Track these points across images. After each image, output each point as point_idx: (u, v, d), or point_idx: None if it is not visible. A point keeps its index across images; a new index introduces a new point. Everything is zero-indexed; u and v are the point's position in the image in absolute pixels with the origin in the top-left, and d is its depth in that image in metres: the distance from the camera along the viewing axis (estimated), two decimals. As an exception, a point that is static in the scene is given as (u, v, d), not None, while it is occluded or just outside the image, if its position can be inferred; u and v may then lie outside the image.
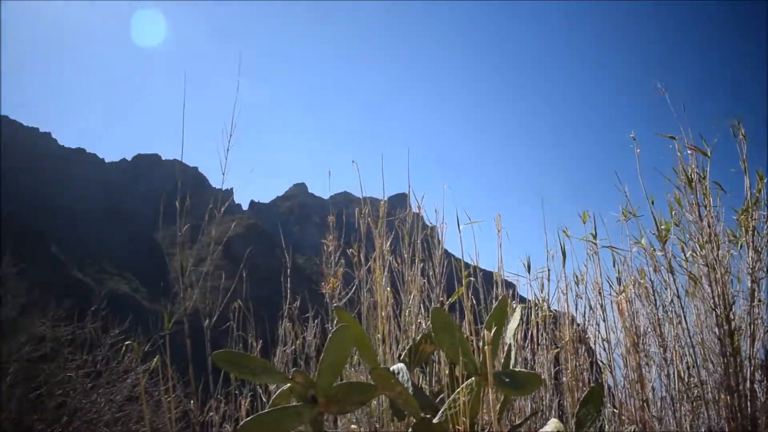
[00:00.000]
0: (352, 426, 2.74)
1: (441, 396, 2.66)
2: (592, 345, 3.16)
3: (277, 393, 2.41)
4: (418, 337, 2.73)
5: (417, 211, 3.48)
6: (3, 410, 5.09)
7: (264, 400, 3.44)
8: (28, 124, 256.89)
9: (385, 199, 3.55)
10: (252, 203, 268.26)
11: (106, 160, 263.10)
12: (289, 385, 2.33)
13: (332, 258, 3.55)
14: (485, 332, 2.08)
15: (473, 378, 2.39)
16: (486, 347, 2.02)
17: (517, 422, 2.73)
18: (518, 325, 2.59)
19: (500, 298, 2.55)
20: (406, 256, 3.31)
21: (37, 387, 5.30)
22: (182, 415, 3.45)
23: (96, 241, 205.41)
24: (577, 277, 3.29)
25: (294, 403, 2.27)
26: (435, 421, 2.39)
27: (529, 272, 3.53)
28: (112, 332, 5.70)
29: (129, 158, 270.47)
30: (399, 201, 3.72)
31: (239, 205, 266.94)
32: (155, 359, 3.22)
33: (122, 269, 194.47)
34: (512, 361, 2.45)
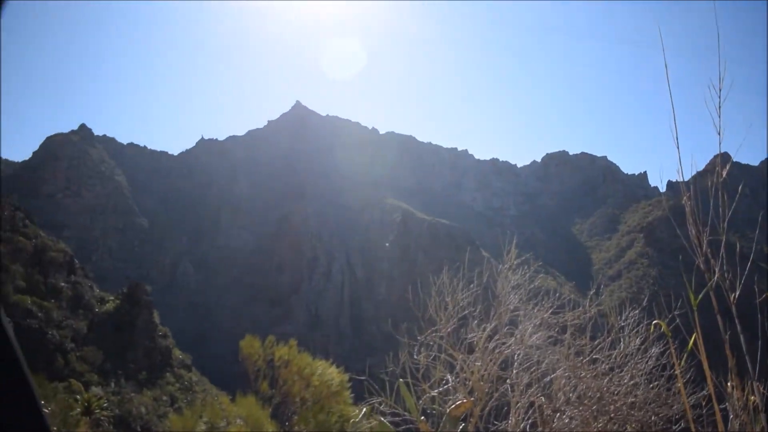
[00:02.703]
0: None
1: None
2: None
3: None
4: None
5: None
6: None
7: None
8: (448, 145, 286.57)
9: None
10: (670, 183, 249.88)
11: (518, 165, 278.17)
12: None
13: None
14: None
15: None
16: None
17: None
18: None
19: None
20: None
21: (545, 373, 5.45)
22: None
23: (522, 242, 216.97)
24: None
25: None
26: None
27: None
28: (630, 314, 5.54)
29: (539, 159, 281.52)
30: None
31: (655, 188, 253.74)
32: (692, 338, 2.83)
33: (546, 265, 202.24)
34: None
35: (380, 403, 5.38)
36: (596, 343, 5.40)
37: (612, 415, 4.85)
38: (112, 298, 74.74)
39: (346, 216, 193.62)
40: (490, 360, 5.43)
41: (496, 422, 5.43)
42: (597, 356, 5.27)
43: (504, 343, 5.54)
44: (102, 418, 37.00)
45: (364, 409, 5.81)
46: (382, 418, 4.95)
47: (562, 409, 4.97)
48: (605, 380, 5.05)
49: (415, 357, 5.76)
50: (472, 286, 6.22)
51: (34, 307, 57.24)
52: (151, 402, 61.38)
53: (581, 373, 5.13)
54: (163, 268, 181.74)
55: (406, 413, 5.07)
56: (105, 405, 45.33)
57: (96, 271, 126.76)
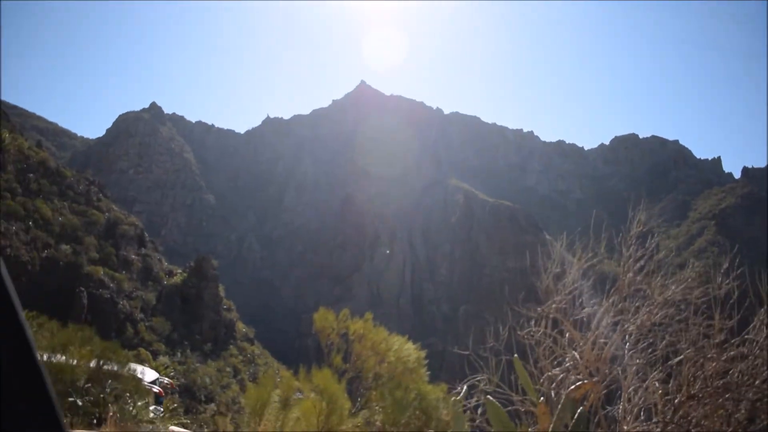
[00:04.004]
0: None
1: None
2: None
3: None
4: None
5: None
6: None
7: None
8: (513, 126, 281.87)
9: None
10: (745, 170, 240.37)
11: (585, 148, 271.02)
12: None
13: None
14: None
15: None
16: None
17: None
18: None
19: None
20: None
21: (676, 351, 4.73)
22: None
23: (587, 226, 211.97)
24: None
25: None
26: None
27: None
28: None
29: (607, 142, 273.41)
30: None
31: (730, 174, 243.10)
32: None
33: (613, 251, 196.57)
34: None
35: (480, 381, 4.77)
36: (743, 324, 4.62)
37: (757, 402, 4.09)
38: (180, 271, 76.56)
39: (409, 196, 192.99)
40: (607, 336, 4.73)
41: (607, 406, 4.76)
42: (749, 337, 4.49)
43: (626, 320, 4.82)
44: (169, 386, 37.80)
45: (465, 387, 5.20)
46: (490, 397, 4.33)
47: (699, 395, 4.24)
48: (745, 364, 4.29)
49: (521, 332, 5.09)
50: (590, 254, 5.51)
51: (106, 278, 59.02)
52: (215, 373, 62.77)
53: (722, 356, 4.37)
54: (229, 243, 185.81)
55: (512, 393, 4.45)
56: (172, 374, 46.47)
57: (165, 245, 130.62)
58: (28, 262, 50.94)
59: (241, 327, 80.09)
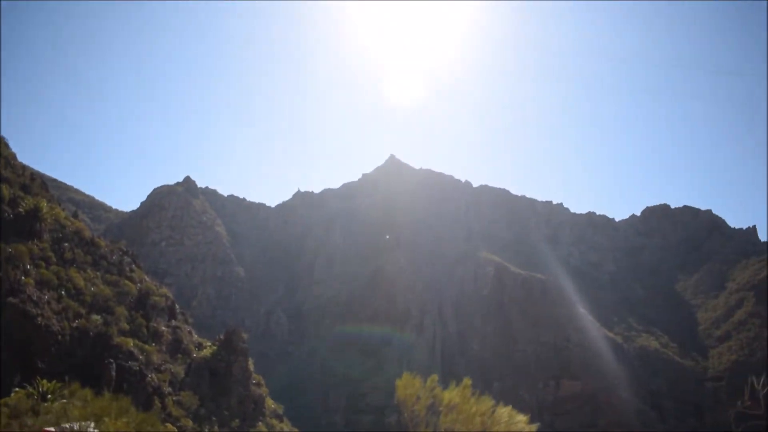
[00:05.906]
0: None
1: None
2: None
3: None
4: None
5: None
6: None
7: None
8: (543, 198, 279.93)
9: None
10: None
11: (616, 219, 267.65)
12: None
13: None
14: None
15: None
16: None
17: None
18: None
19: None
20: None
21: None
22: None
23: (621, 299, 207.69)
24: None
25: None
26: None
27: None
28: None
29: (638, 213, 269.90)
30: None
31: (766, 243, 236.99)
32: None
33: (648, 325, 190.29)
34: None
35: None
36: None
37: None
38: (209, 344, 75.20)
39: (440, 269, 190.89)
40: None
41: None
42: None
43: None
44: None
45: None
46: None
47: None
48: None
49: None
50: None
51: (136, 350, 57.90)
52: (243, 451, 60.35)
53: None
54: (257, 316, 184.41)
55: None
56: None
57: (194, 317, 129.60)
58: (59, 332, 50.20)
59: (270, 403, 77.79)
